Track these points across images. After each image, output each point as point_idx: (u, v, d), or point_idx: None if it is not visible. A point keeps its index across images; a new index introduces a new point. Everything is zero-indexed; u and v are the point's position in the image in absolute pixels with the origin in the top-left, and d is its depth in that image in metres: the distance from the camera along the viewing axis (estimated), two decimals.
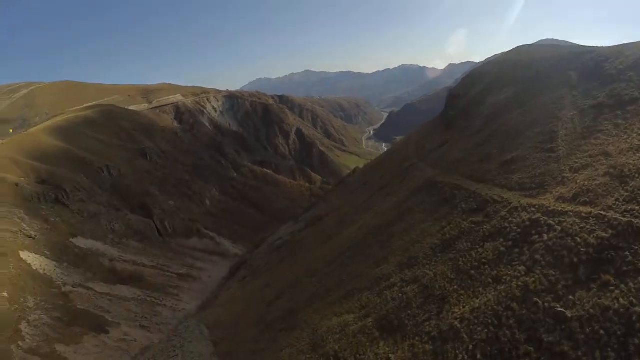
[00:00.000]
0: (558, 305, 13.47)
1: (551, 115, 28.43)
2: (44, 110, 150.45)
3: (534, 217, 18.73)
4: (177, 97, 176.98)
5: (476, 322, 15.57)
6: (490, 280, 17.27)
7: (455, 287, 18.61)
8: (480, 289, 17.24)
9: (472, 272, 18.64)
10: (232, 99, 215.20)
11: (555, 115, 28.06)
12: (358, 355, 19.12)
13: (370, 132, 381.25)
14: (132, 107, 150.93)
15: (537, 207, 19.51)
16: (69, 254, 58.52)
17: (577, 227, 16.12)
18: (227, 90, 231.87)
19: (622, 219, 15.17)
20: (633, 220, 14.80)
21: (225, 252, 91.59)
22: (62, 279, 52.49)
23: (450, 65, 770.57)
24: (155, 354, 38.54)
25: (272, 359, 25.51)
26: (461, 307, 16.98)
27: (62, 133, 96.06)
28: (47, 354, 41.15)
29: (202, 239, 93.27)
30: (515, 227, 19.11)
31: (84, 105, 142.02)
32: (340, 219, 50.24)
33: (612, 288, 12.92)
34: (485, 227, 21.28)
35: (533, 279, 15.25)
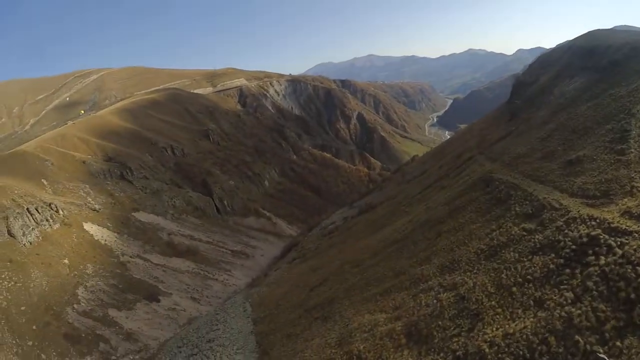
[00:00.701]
0: (601, 351, 11.12)
1: (624, 111, 24.66)
2: (112, 94, 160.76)
3: (592, 233, 15.84)
4: (241, 81, 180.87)
5: (506, 350, 13.69)
6: (532, 302, 15.05)
7: (493, 303, 16.68)
8: (519, 312, 15.11)
9: (514, 289, 16.46)
10: (295, 83, 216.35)
11: (629, 110, 24.28)
12: None
13: (433, 119, 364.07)
14: (198, 91, 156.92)
15: (598, 220, 16.59)
16: (129, 226, 62.03)
17: None
18: (290, 74, 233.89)
19: None
20: None
21: (281, 232, 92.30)
22: (121, 249, 55.74)
23: (520, 50, 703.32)
24: (200, 325, 39.80)
25: (302, 346, 25.57)
26: (494, 329, 15.11)
27: (129, 114, 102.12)
28: (99, 318, 44.03)
29: (259, 218, 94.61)
30: (570, 243, 16.36)
31: (151, 89, 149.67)
32: (393, 209, 48.56)
33: None
34: (537, 237, 18.80)
35: (579, 310, 12.75)
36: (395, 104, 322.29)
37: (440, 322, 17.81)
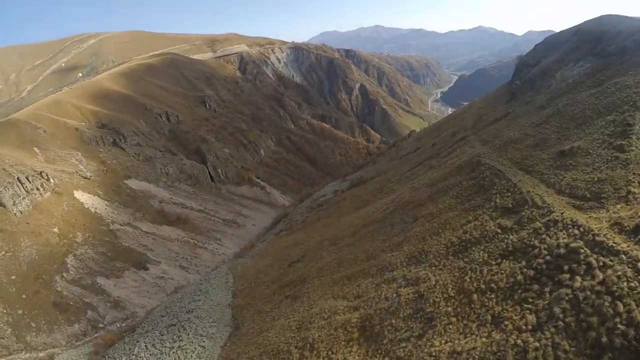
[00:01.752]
0: None
1: (628, 102, 22.26)
2: (110, 58, 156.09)
3: (572, 245, 13.59)
4: (242, 47, 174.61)
5: None
6: (489, 318, 13.40)
7: (450, 309, 15.33)
8: (473, 326, 13.54)
9: (475, 296, 14.85)
10: (297, 51, 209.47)
11: (634, 102, 21.90)
12: (330, 353, 18.32)
13: (437, 95, 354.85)
14: (197, 56, 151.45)
15: (582, 229, 14.29)
16: (120, 194, 60.49)
17: (625, 284, 10.71)
18: (293, 41, 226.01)
19: None
20: None
21: (274, 202, 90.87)
22: (111, 217, 54.45)
23: (530, 32, 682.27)
24: (183, 295, 39.48)
25: (268, 325, 25.76)
26: (442, 342, 13.85)
27: (124, 79, 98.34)
28: (87, 286, 43.29)
29: (253, 187, 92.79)
30: (546, 251, 14.27)
31: (150, 54, 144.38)
32: (381, 186, 47.81)
33: None
34: (511, 237, 16.93)
35: (537, 343, 10.81)
36: (399, 77, 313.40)
37: (393, 321, 17.28)
